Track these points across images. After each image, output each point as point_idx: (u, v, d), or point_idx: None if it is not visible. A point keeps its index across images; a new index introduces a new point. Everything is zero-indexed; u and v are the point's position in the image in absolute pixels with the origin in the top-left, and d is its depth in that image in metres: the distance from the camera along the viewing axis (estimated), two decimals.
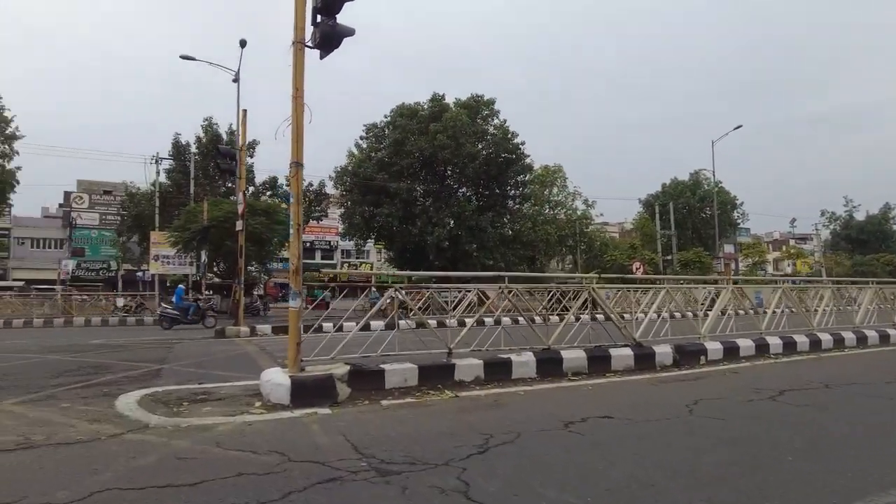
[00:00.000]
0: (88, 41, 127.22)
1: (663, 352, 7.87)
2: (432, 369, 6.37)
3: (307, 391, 5.43)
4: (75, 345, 11.17)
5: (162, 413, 4.82)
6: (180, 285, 18.04)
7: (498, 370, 6.78)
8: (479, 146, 33.66)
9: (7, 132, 37.00)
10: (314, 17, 5.98)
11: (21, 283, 42.89)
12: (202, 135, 36.60)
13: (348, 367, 5.85)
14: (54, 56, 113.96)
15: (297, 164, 5.84)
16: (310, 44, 5.99)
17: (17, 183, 38.08)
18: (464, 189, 35.70)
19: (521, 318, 8.03)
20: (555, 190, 48.89)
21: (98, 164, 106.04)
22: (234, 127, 32.84)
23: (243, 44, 22.35)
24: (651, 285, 10.16)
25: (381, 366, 6.13)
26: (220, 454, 3.68)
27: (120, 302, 24.96)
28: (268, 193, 36.67)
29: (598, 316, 9.24)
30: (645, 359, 7.66)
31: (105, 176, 55.01)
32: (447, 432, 4.32)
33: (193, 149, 36.21)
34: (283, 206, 31.22)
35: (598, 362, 7.30)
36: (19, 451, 3.73)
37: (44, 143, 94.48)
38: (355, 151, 36.15)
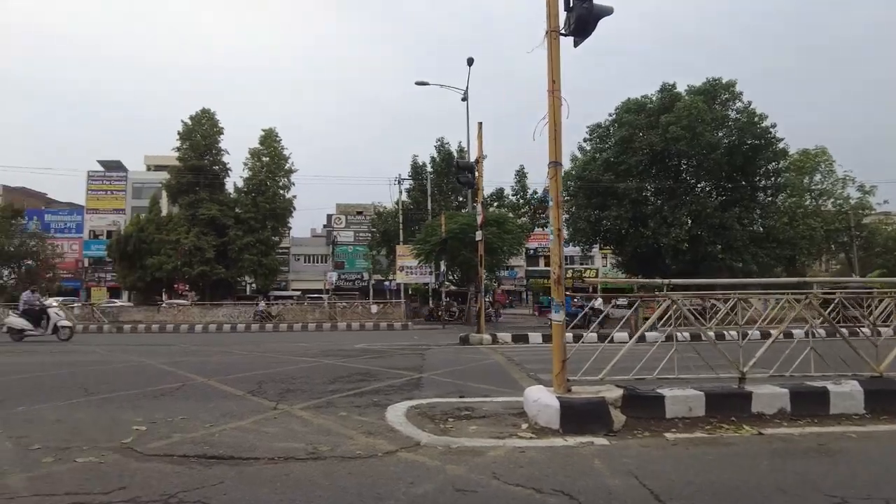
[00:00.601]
0: (345, 87, 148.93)
1: None
2: (722, 398, 5.23)
3: (577, 416, 4.82)
4: (343, 349, 12.39)
5: (430, 430, 4.67)
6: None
7: (809, 402, 5.33)
8: (720, 134, 29.98)
9: (286, 168, 44.76)
10: (567, 2, 5.44)
11: (297, 293, 51.42)
12: (436, 154, 39.47)
13: (621, 391, 5.09)
14: (320, 102, 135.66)
15: (555, 164, 5.32)
16: (563, 31, 5.45)
17: (294, 209, 45.74)
18: (702, 184, 32.19)
19: (821, 331, 6.26)
20: (817, 177, 41.37)
21: (353, 187, 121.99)
22: (464, 144, 35.30)
23: (470, 62, 23.21)
24: None
25: (660, 391, 5.23)
26: (500, 489, 3.25)
27: (374, 309, 27.78)
28: (494, 205, 37.86)
29: None
30: None
31: (359, 198, 62.68)
32: (773, 486, 3.30)
33: (429, 168, 39.22)
34: (510, 215, 31.80)
35: None
36: (310, 461, 3.81)
37: (309, 172, 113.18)
38: (578, 154, 35.22)
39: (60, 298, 38.15)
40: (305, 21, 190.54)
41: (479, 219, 13.94)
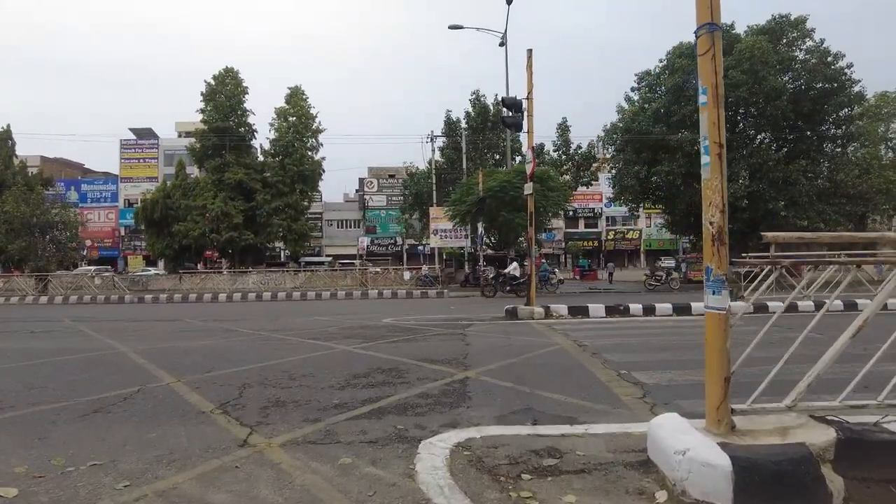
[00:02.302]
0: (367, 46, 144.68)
1: None
2: None
3: (764, 484, 2.61)
4: (367, 326, 10.37)
5: None
6: None
7: None
8: (785, 78, 26.55)
9: (313, 128, 42.65)
10: None
11: (329, 259, 50.05)
12: (471, 109, 36.72)
13: (832, 431, 2.84)
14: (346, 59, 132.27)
15: (710, 29, 2.96)
16: None
17: (324, 171, 43.82)
18: (763, 134, 28.96)
19: None
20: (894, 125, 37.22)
21: (384, 150, 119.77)
22: (498, 98, 32.44)
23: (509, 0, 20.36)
24: None
25: (888, 423, 2.96)
26: None
27: (406, 275, 25.85)
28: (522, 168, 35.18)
29: None
30: None
31: (391, 162, 60.61)
32: None
33: (463, 124, 36.57)
34: (552, 173, 29.10)
35: None
36: None
37: (337, 132, 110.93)
38: (625, 105, 32.25)
39: (94, 268, 37.72)
40: None
41: (530, 168, 11.52)
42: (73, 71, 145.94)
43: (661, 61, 30.66)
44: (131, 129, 62.86)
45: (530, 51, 11.87)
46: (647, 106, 30.39)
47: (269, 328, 10.50)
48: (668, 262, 59.44)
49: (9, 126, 41.69)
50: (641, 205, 36.42)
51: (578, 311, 11.82)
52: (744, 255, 6.92)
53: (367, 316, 13.15)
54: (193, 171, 44.28)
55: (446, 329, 9.69)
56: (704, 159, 2.98)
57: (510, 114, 11.75)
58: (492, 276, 23.02)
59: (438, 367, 5.86)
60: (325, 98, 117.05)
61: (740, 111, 27.93)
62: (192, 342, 8.45)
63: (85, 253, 51.75)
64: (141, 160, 62.04)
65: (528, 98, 11.71)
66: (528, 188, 11.49)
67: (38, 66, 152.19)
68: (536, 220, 26.88)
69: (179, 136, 61.82)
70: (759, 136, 29.17)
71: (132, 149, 62.38)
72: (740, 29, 28.43)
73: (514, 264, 23.58)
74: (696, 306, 11.66)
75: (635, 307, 12.06)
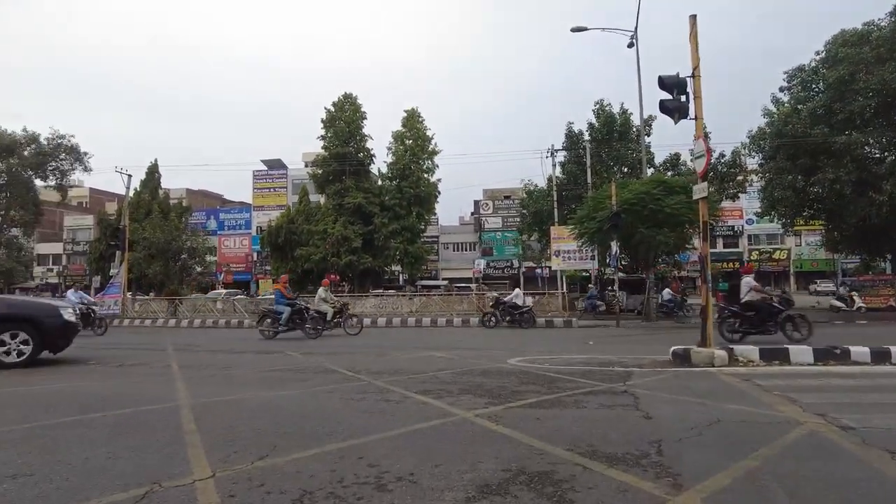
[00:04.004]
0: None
1: None
2: None
3: None
4: (489, 373, 8.08)
5: None
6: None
7: None
8: None
9: (429, 150, 41.95)
10: None
11: (445, 283, 48.79)
12: (594, 120, 33.79)
13: None
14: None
15: None
16: None
17: (439, 193, 42.85)
18: None
19: None
20: None
21: (500, 172, 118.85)
22: (627, 106, 29.11)
23: None
24: None
25: None
26: None
27: (529, 301, 23.32)
28: (668, 174, 31.24)
29: None
30: None
31: (507, 183, 59.00)
32: None
33: (586, 136, 33.70)
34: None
35: None
36: None
37: (454, 151, 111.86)
38: (773, 109, 27.89)
39: (224, 291, 39.48)
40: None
41: (702, 164, 8.75)
42: (215, 110, 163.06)
43: (817, 54, 26.11)
44: (262, 161, 66.93)
45: (694, 17, 9.21)
46: (801, 106, 26.03)
47: (372, 368, 8.63)
48: (826, 285, 51.29)
49: (156, 161, 45.59)
50: (795, 220, 31.38)
51: (774, 356, 8.69)
52: None
53: (487, 352, 10.93)
54: (319, 198, 45.43)
55: (598, 380, 7.15)
56: None
57: (671, 97, 9.09)
58: (491, 304, 20.56)
59: (621, 476, 3.42)
60: (440, 121, 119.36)
61: None
62: (270, 391, 6.69)
63: (220, 277, 55.16)
64: (271, 189, 65.76)
65: (693, 76, 9.00)
66: (701, 189, 8.69)
67: (188, 106, 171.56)
68: (680, 236, 23.46)
69: (305, 165, 64.90)
70: None
71: (263, 178, 66.37)
72: None
73: (517, 291, 20.96)
74: None
75: (859, 350, 8.69)
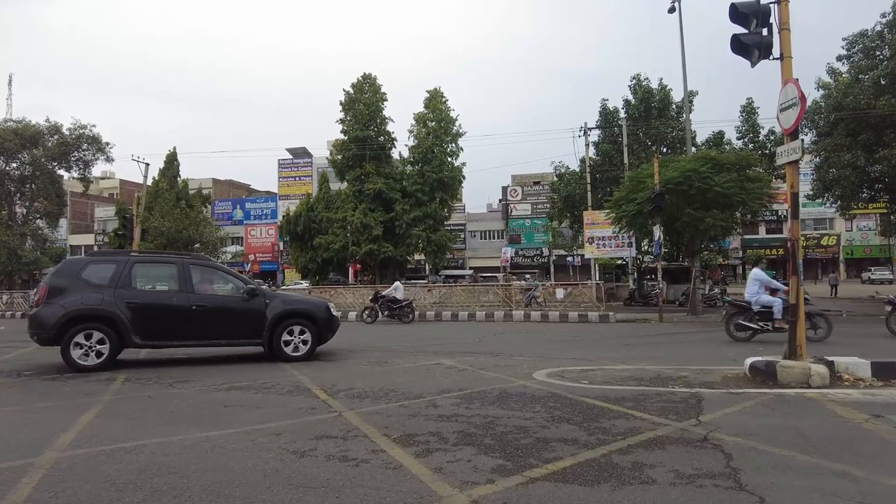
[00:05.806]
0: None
1: None
2: None
3: None
4: (507, 400, 6.06)
5: None
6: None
7: None
8: None
9: (454, 132, 39.76)
10: None
11: (470, 272, 46.79)
12: (631, 96, 31.18)
13: None
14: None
15: None
16: None
17: (464, 178, 40.69)
18: None
19: None
20: None
21: (529, 155, 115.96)
22: (666, 81, 26.39)
23: None
24: None
25: None
26: None
27: (560, 293, 21.22)
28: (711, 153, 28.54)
29: None
30: None
31: (536, 168, 56.51)
32: None
33: (622, 114, 31.14)
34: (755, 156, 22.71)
35: None
36: None
37: (478, 133, 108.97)
38: (828, 79, 25.26)
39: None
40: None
41: (794, 116, 6.54)
42: (243, 102, 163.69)
43: (883, 16, 23.28)
44: (288, 150, 65.83)
45: None
46: (863, 76, 23.57)
47: (356, 386, 6.73)
48: (882, 273, 47.40)
49: (174, 149, 44.61)
50: (855, 202, 28.58)
51: (891, 372, 6.49)
52: None
53: (507, 359, 8.94)
54: (340, 185, 43.88)
55: (659, 411, 5.10)
56: None
57: (747, 31, 6.88)
58: (370, 298, 19.40)
59: None
60: (465, 108, 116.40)
61: None
62: (194, 430, 4.71)
63: (247, 267, 54.34)
64: (297, 178, 64.68)
65: (778, 0, 6.75)
66: (792, 150, 6.43)
67: (224, 100, 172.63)
68: (730, 218, 20.68)
69: (330, 153, 63.73)
70: None
71: (289, 167, 65.32)
72: None
73: (397, 283, 19.98)
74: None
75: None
